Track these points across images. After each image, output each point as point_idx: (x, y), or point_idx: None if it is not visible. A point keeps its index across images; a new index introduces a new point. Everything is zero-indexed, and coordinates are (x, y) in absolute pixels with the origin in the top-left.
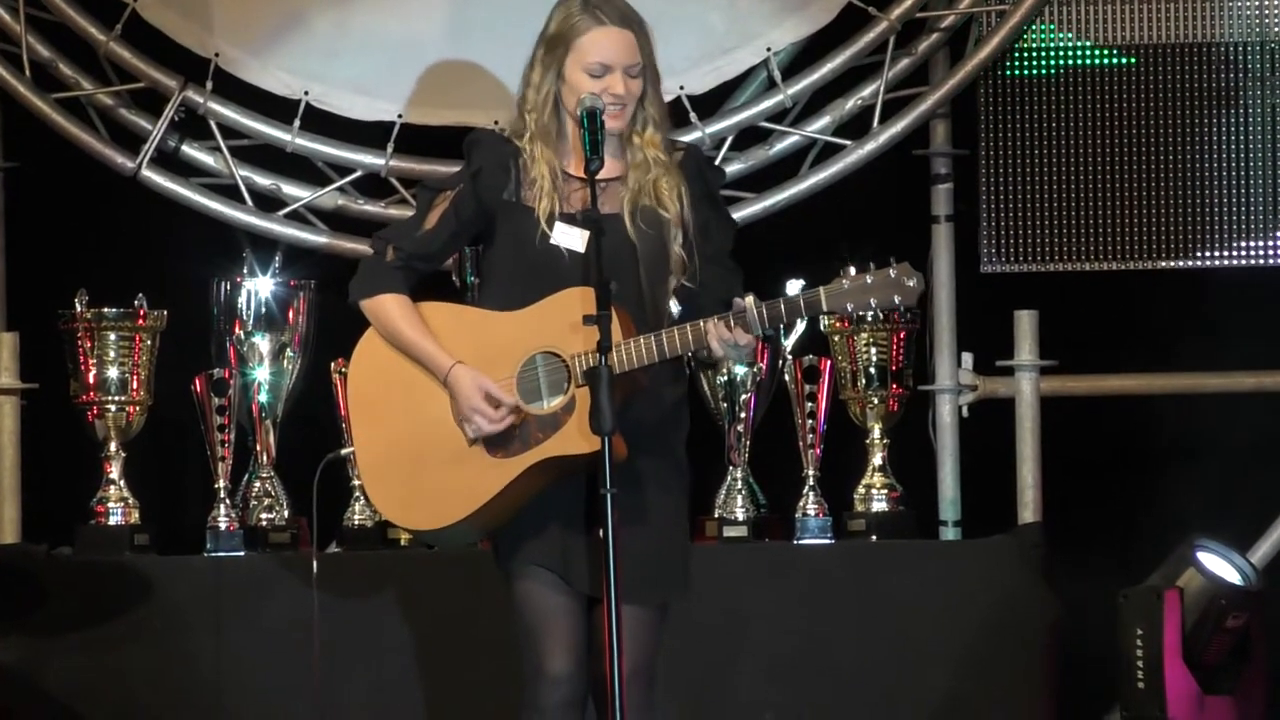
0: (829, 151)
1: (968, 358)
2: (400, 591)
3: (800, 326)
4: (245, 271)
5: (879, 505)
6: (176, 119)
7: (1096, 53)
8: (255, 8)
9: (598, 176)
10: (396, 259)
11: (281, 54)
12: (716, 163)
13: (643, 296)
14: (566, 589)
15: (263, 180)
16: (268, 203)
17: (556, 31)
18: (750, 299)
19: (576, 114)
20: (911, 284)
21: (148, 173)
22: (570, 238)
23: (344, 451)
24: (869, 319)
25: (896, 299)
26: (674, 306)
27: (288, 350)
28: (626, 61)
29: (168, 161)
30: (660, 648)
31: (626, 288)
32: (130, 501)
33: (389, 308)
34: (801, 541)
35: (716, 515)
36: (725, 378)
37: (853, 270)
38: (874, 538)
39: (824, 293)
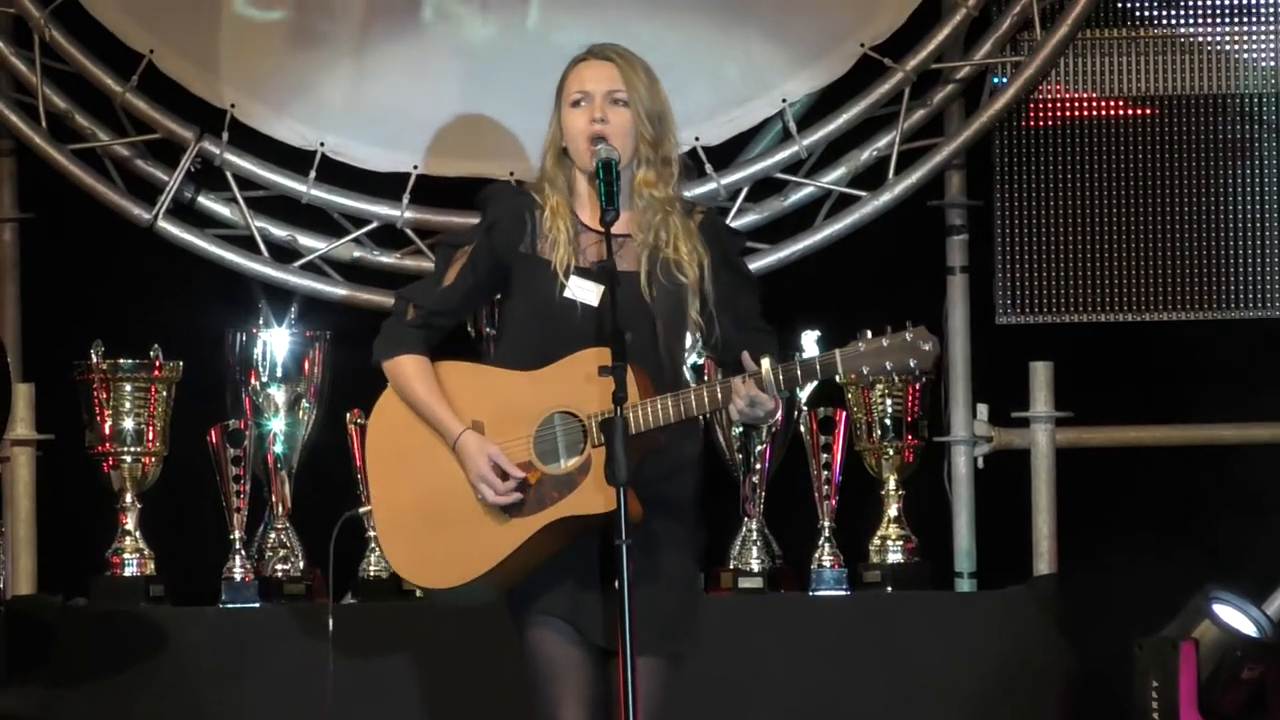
0: (844, 202)
1: (983, 409)
2: (415, 643)
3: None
4: (261, 322)
5: (894, 556)
6: (192, 170)
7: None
8: (271, 59)
9: (620, 232)
10: (417, 317)
11: (297, 105)
12: (733, 212)
13: (659, 353)
14: (579, 640)
15: (278, 231)
16: (283, 254)
17: (558, 83)
18: (767, 361)
19: (592, 165)
20: (927, 348)
21: (164, 224)
22: (584, 291)
23: (362, 510)
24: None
25: (911, 363)
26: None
27: (303, 401)
28: (605, 88)
29: (184, 212)
30: (672, 701)
31: (642, 344)
32: (145, 552)
33: (406, 370)
34: (817, 593)
35: (731, 566)
36: (740, 429)
37: (869, 333)
38: (889, 589)
39: (839, 355)
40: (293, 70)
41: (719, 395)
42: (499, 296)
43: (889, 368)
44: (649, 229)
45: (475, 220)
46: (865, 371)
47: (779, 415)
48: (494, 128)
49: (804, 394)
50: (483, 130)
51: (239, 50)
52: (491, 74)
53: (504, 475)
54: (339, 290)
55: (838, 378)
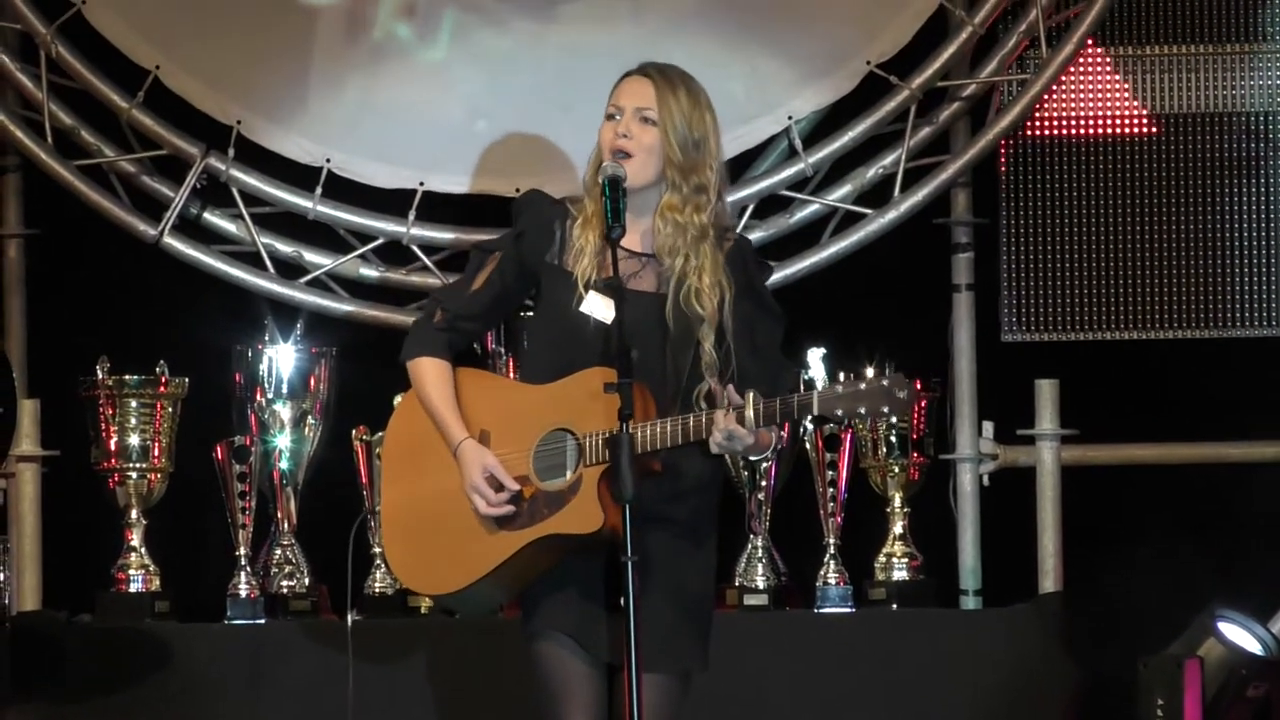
0: (850, 220)
1: (988, 427)
2: (420, 659)
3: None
4: (266, 339)
5: (899, 574)
6: (198, 186)
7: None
8: (277, 76)
9: (644, 251)
10: (443, 320)
11: (303, 121)
12: (738, 229)
13: (666, 376)
14: (586, 655)
15: (284, 247)
16: (289, 270)
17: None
18: (750, 395)
19: (599, 181)
20: (902, 395)
21: (169, 240)
22: (598, 306)
23: (379, 508)
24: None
25: (885, 409)
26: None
27: (309, 418)
28: (636, 104)
29: (189, 229)
30: (679, 718)
31: (649, 366)
32: (151, 568)
33: (424, 372)
34: (822, 610)
35: (737, 583)
36: None
37: (852, 375)
38: (894, 606)
39: (816, 396)
40: (299, 87)
41: (700, 426)
42: (530, 305)
43: (863, 412)
44: (674, 254)
45: (484, 234)
46: (839, 414)
47: (769, 452)
48: (500, 145)
49: None
50: (488, 147)
51: (245, 66)
52: (499, 91)
53: (499, 487)
54: (345, 306)
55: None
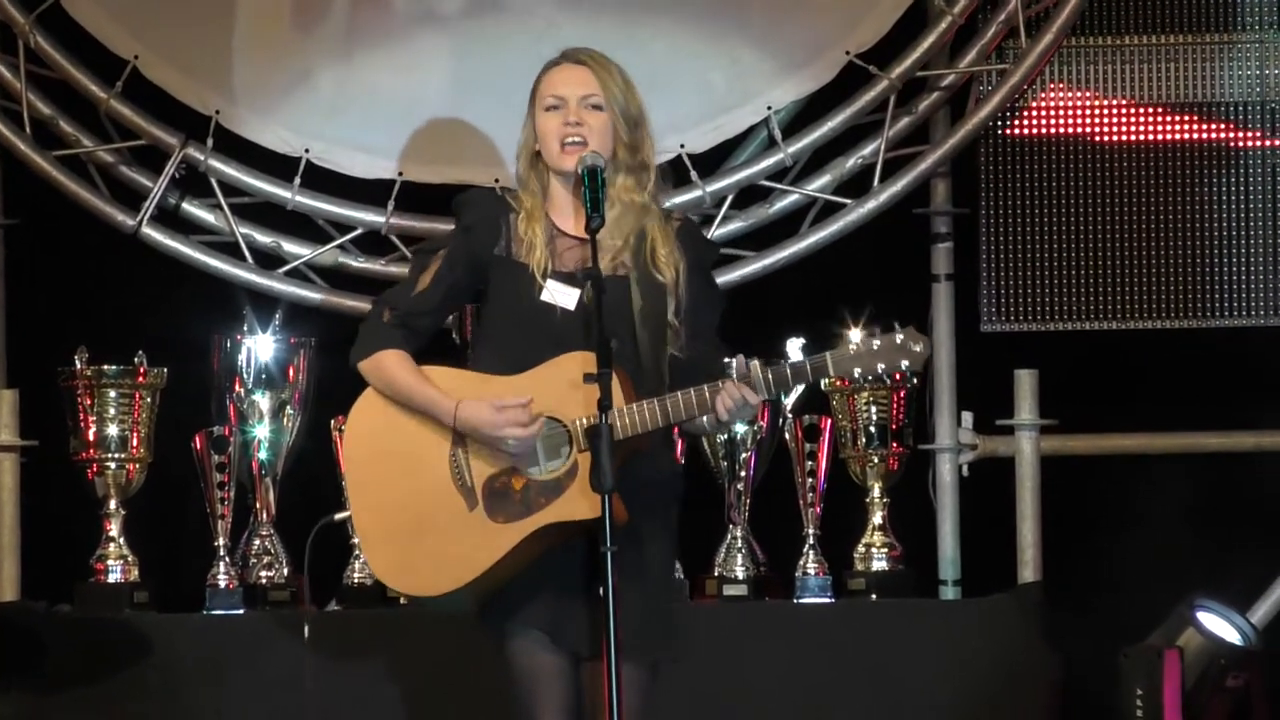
0: (829, 210)
1: (968, 417)
2: (399, 650)
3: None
4: (245, 329)
5: (879, 564)
6: (177, 176)
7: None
8: (256, 66)
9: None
10: (393, 319)
11: (282, 111)
12: (718, 219)
13: (640, 358)
14: (557, 651)
15: (263, 238)
16: (268, 260)
17: (531, 88)
18: (756, 363)
19: (567, 167)
20: (918, 348)
21: (148, 230)
22: (561, 295)
23: (338, 517)
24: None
25: (903, 363)
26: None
27: (288, 408)
28: (580, 92)
29: (168, 219)
30: (651, 708)
31: (623, 348)
32: (129, 559)
33: (387, 362)
34: (801, 600)
35: (716, 574)
36: (725, 436)
37: (860, 334)
38: (874, 597)
39: (830, 358)
40: (278, 77)
41: (706, 398)
42: (480, 301)
43: (881, 369)
44: (624, 233)
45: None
46: (857, 373)
47: (764, 417)
48: (478, 134)
49: (789, 400)
50: (467, 137)
51: (224, 56)
52: (477, 80)
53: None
54: (323, 296)
55: (823, 383)
